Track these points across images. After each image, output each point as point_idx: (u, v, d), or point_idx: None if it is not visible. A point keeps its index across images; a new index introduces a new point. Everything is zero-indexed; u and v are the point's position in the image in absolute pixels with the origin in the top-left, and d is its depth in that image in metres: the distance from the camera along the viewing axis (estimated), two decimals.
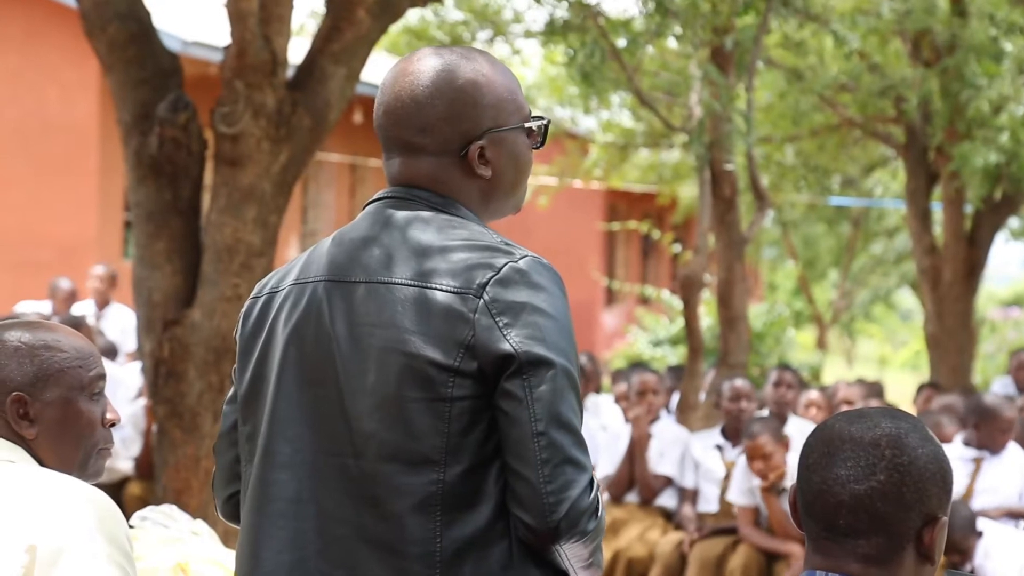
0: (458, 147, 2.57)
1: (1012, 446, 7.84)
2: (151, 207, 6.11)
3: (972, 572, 6.84)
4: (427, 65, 2.58)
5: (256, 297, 2.63)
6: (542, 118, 2.65)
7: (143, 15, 6.18)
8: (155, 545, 3.15)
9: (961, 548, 6.84)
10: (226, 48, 6.01)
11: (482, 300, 2.42)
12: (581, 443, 2.44)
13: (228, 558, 3.19)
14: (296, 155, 6.10)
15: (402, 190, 2.58)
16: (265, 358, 2.56)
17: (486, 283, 2.43)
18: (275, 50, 5.95)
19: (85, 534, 2.46)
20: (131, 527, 3.23)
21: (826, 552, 2.34)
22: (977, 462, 7.70)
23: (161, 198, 6.10)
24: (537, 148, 2.65)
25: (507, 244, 2.50)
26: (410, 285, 2.46)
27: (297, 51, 6.41)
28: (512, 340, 2.41)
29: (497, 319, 2.42)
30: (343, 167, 19.58)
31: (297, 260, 2.63)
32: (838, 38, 10.18)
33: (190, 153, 6.10)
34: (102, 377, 2.70)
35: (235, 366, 2.64)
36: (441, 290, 2.44)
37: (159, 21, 6.50)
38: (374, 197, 2.62)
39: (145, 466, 8.33)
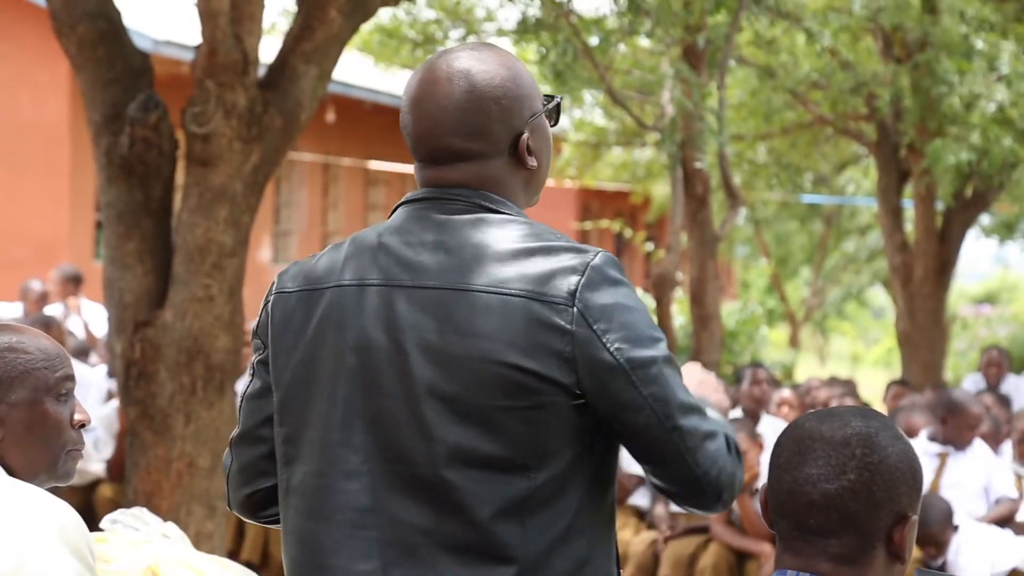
0: (510, 144, 2.56)
1: (978, 442, 7.86)
2: (122, 207, 6.07)
3: (944, 565, 6.87)
4: (458, 69, 2.54)
5: (285, 292, 2.55)
6: (554, 96, 2.66)
7: (113, 14, 6.15)
8: (126, 548, 3.13)
9: (938, 541, 6.88)
10: (197, 47, 5.99)
11: (575, 309, 2.40)
12: (702, 410, 2.49)
13: (199, 560, 3.17)
14: (268, 155, 6.08)
15: (448, 191, 2.54)
16: (312, 362, 2.49)
17: (575, 290, 2.41)
18: (246, 49, 5.93)
19: (47, 546, 2.43)
20: (101, 530, 3.22)
21: (797, 551, 2.34)
22: (942, 457, 7.72)
23: (132, 198, 6.07)
24: (553, 127, 2.67)
25: (569, 241, 2.50)
26: (494, 292, 2.42)
27: (269, 50, 6.39)
28: (613, 349, 2.41)
29: (595, 328, 2.40)
30: (316, 166, 19.54)
31: (328, 257, 2.55)
32: (810, 35, 10.21)
33: (161, 153, 6.07)
34: (69, 378, 2.68)
35: (260, 359, 2.57)
36: (529, 298, 2.41)
37: (130, 20, 6.47)
38: (415, 197, 2.56)
39: (117, 468, 8.30)
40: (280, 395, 2.52)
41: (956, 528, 6.96)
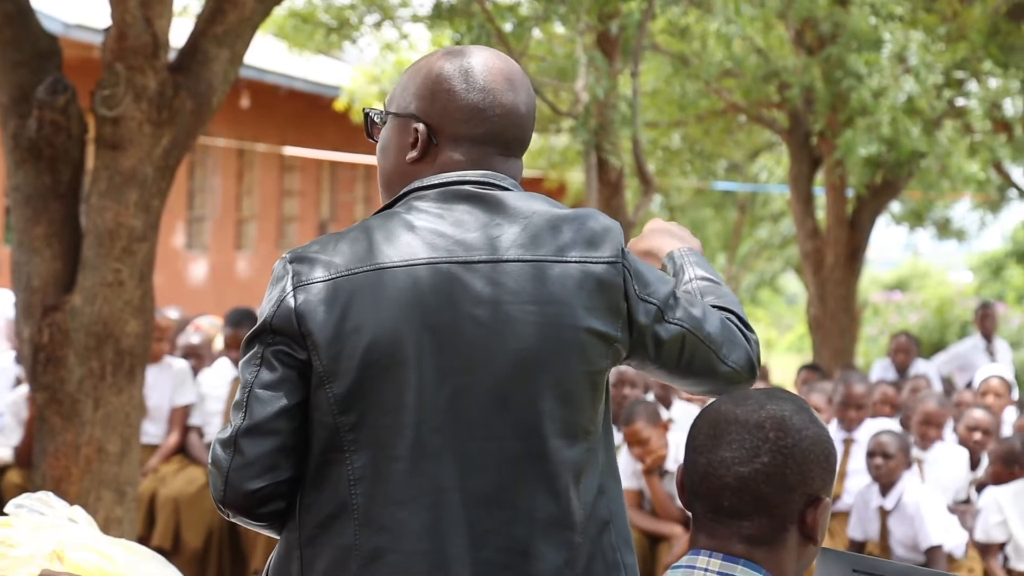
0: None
1: (884, 421, 7.98)
2: (29, 191, 6.00)
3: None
4: (512, 67, 2.64)
5: (318, 281, 2.45)
6: None
7: None
8: (30, 532, 3.08)
9: None
10: (106, 30, 5.91)
11: (622, 264, 2.51)
12: (710, 314, 2.61)
13: (105, 544, 3.13)
14: (178, 139, 6.02)
15: (469, 174, 2.56)
16: (378, 346, 2.41)
17: (622, 248, 2.52)
18: (156, 32, 5.87)
19: None
20: (5, 515, 3.16)
21: (711, 532, 2.35)
22: (847, 443, 7.79)
23: (40, 182, 5.99)
24: None
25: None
26: (560, 261, 2.47)
27: (180, 33, 6.32)
28: (645, 295, 2.53)
29: (635, 280, 2.52)
30: (230, 152, 19.40)
31: (351, 242, 2.49)
32: (720, 34, 10.26)
33: (70, 136, 6.00)
34: None
35: (280, 349, 2.45)
36: (593, 262, 2.49)
37: (40, 3, 6.38)
38: (447, 180, 2.55)
39: (25, 455, 8.19)
40: (347, 382, 2.43)
41: None
